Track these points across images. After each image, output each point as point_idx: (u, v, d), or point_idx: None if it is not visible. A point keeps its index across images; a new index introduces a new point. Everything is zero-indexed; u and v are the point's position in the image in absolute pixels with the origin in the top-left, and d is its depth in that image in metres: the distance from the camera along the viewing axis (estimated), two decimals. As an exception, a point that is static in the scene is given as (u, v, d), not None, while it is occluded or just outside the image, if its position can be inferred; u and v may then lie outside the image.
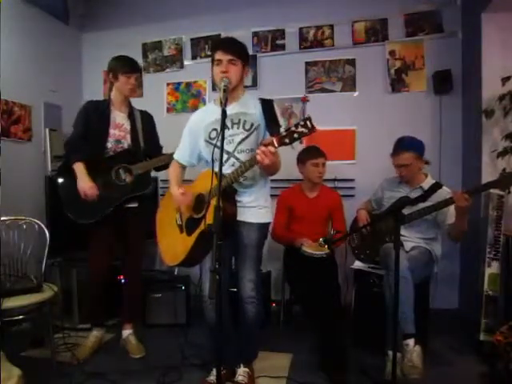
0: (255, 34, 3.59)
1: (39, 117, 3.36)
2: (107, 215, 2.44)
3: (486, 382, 2.21)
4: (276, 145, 1.66)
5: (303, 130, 1.59)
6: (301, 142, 2.00)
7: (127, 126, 2.57)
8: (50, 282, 2.38)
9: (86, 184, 2.39)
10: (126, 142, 2.55)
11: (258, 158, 1.67)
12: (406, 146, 2.43)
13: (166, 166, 2.53)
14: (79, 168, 2.42)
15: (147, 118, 2.68)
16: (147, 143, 2.61)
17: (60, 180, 2.54)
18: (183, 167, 2.21)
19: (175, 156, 2.20)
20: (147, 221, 2.56)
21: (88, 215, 2.45)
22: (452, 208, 2.25)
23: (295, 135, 1.61)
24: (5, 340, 2.10)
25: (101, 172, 2.47)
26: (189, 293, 3.07)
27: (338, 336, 2.33)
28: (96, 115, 2.51)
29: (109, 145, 2.51)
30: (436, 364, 2.34)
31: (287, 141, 1.63)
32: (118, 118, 2.56)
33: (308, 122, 1.58)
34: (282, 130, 1.79)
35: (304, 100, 3.48)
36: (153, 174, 2.69)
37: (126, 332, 2.62)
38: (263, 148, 1.66)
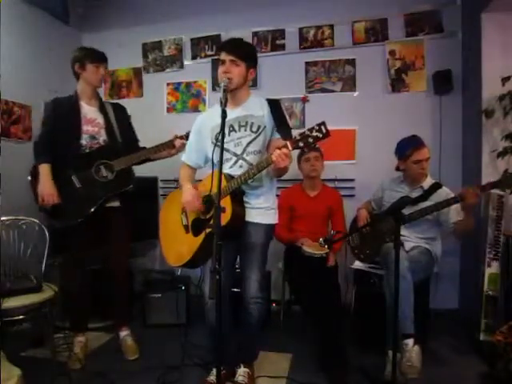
0: (255, 34, 3.59)
1: (39, 117, 3.35)
2: (89, 216, 2.33)
3: (485, 382, 2.21)
4: (290, 148, 1.69)
5: (317, 134, 1.62)
6: (314, 146, 2.00)
7: (100, 120, 2.46)
8: (49, 282, 2.37)
9: (46, 189, 2.28)
10: (102, 138, 2.44)
11: (274, 159, 1.70)
12: (422, 141, 2.47)
13: (148, 159, 2.49)
14: (44, 170, 2.30)
15: (120, 111, 2.57)
16: (124, 137, 2.51)
17: (33, 180, 2.38)
18: (193, 168, 2.20)
19: (183, 158, 2.20)
20: (130, 221, 2.53)
21: (69, 216, 2.35)
22: (454, 207, 2.26)
23: (309, 139, 1.64)
24: (5, 340, 2.10)
25: (79, 169, 2.37)
26: (189, 293, 3.07)
27: (338, 336, 2.33)
28: (65, 111, 2.40)
29: (83, 142, 2.39)
30: (436, 364, 2.34)
31: (301, 144, 1.66)
32: (89, 112, 2.45)
33: (322, 127, 1.61)
34: (292, 131, 1.83)
35: (304, 100, 3.48)
36: (152, 173, 2.67)
37: (123, 333, 2.58)
38: (279, 152, 1.69)
